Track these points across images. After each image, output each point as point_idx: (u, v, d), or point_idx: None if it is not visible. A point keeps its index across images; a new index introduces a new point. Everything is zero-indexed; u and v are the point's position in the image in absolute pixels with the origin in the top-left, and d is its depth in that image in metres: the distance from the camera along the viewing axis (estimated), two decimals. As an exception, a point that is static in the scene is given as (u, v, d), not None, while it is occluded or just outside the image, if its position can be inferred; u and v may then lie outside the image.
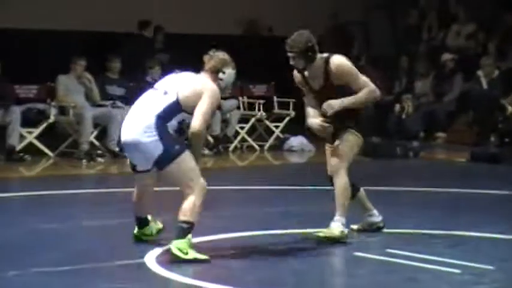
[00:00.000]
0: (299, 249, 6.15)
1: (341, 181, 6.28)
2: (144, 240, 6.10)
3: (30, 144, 11.74)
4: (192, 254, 5.61)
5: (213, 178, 6.27)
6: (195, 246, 5.67)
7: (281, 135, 13.66)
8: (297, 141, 13.30)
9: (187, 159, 5.76)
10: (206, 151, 12.50)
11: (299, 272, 5.50)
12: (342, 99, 6.23)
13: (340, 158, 6.28)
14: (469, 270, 5.48)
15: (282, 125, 13.72)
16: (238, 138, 13.32)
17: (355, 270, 5.57)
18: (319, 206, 8.05)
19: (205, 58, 6.00)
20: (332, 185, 6.40)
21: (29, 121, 11.80)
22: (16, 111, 11.48)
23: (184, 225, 5.66)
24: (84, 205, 8.21)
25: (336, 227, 6.18)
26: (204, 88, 5.82)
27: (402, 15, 16.26)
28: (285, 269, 5.58)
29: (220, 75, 5.92)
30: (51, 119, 11.87)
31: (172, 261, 5.56)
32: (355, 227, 6.61)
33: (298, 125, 13.54)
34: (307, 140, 13.12)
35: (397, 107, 12.68)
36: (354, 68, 6.31)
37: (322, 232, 6.19)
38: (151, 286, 5.25)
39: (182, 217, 5.69)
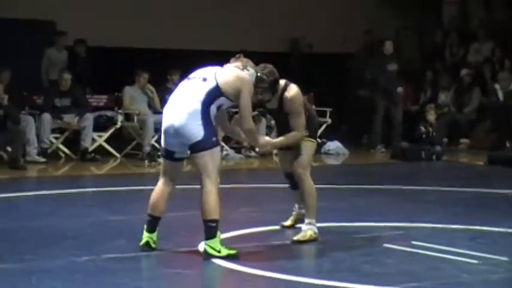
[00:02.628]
0: (334, 240, 6.14)
1: (307, 185, 6.13)
2: (152, 248, 5.59)
3: (100, 146, 11.85)
4: (225, 251, 5.41)
5: (260, 177, 6.30)
6: (232, 240, 5.66)
7: (319, 140, 13.62)
8: (333, 145, 13.25)
9: (218, 153, 5.56)
10: (253, 153, 12.53)
11: (334, 260, 5.49)
12: (279, 139, 6.12)
13: (303, 165, 6.10)
14: (486, 261, 5.43)
15: (320, 131, 13.66)
16: (282, 142, 13.27)
17: (384, 259, 5.54)
18: (352, 202, 8.05)
19: (232, 60, 5.87)
20: (289, 182, 6.34)
21: (99, 126, 11.92)
22: (89, 118, 11.60)
23: (212, 224, 5.40)
24: (145, 200, 8.24)
25: (308, 229, 6.06)
26: (239, 77, 5.61)
27: (428, 35, 16.20)
28: (322, 258, 5.58)
29: (245, 71, 5.76)
30: (118, 124, 11.97)
31: (206, 258, 5.40)
32: (287, 223, 6.50)
33: (334, 131, 13.54)
34: (343, 145, 13.09)
35: (422, 128, 12.61)
36: (301, 106, 6.15)
37: (297, 236, 6.02)
38: (203, 271, 5.27)
39: (208, 216, 5.41)
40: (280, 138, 6.13)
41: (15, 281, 4.81)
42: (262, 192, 8.01)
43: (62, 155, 11.68)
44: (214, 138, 5.48)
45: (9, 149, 10.76)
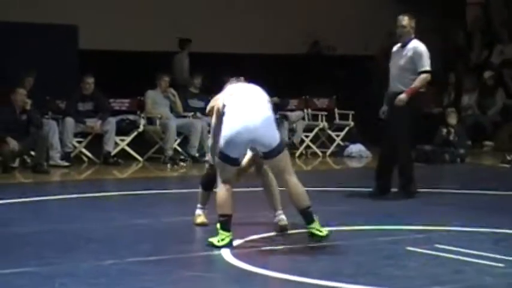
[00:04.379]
0: (357, 243, 6.14)
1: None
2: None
3: (123, 150, 11.92)
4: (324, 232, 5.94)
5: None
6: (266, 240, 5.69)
7: (341, 143, 13.62)
8: (355, 148, 13.24)
9: (287, 152, 5.99)
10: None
11: (356, 263, 5.50)
12: None
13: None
14: (510, 264, 5.41)
15: (342, 134, 13.68)
16: (304, 145, 13.33)
17: (407, 262, 5.54)
18: (374, 205, 8.04)
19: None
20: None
21: (122, 130, 11.99)
22: (112, 122, 11.68)
23: (310, 209, 5.88)
24: (168, 203, 8.29)
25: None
26: None
27: (451, 36, 16.11)
28: (344, 261, 5.58)
29: None
30: (141, 128, 12.04)
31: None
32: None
33: (357, 134, 13.53)
34: (365, 147, 13.08)
35: (444, 131, 12.57)
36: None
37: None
38: (227, 275, 5.30)
39: (307, 202, 5.87)
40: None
41: (39, 284, 4.86)
42: (283, 195, 8.02)
43: (85, 159, 11.77)
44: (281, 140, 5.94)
45: (32, 153, 10.86)
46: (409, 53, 8.42)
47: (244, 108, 5.83)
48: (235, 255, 5.59)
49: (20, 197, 8.26)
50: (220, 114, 5.96)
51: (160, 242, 6.11)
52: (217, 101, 6.15)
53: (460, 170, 11.90)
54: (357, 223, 6.82)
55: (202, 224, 6.59)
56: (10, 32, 12.66)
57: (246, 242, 6.07)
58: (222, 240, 5.79)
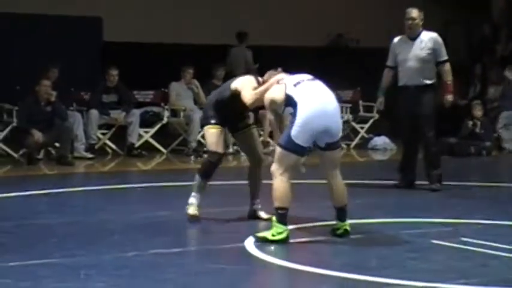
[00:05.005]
0: (381, 236, 6.10)
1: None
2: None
3: (147, 142, 11.95)
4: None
5: (307, 173, 6.25)
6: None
7: (366, 135, 13.55)
8: (380, 140, 13.17)
9: None
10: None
11: (381, 256, 5.45)
12: None
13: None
14: (537, 258, 5.35)
15: (366, 126, 13.61)
16: (328, 137, 13.26)
17: (432, 255, 5.49)
18: (399, 198, 7.98)
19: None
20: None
21: (145, 122, 12.01)
22: (136, 114, 11.70)
23: (347, 208, 5.90)
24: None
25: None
26: None
27: (477, 28, 15.98)
28: (369, 254, 5.54)
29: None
30: (165, 120, 12.06)
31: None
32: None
33: (381, 126, 13.45)
34: (390, 140, 13.00)
35: (469, 123, 12.46)
36: None
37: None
38: (249, 267, 5.28)
39: (346, 201, 5.89)
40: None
41: (63, 275, 4.87)
42: (307, 188, 7.98)
43: (109, 150, 11.81)
44: None
45: (57, 145, 10.90)
46: (429, 44, 8.35)
47: (319, 95, 5.76)
48: (258, 248, 5.56)
49: (45, 189, 8.29)
50: (288, 105, 5.78)
51: (183, 234, 6.10)
52: (273, 93, 5.94)
53: (486, 162, 11.79)
54: (381, 216, 6.77)
55: (194, 217, 6.43)
56: (35, 24, 12.71)
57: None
58: (279, 233, 5.63)
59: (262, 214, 6.53)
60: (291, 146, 5.69)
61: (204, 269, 5.09)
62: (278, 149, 5.76)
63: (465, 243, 5.77)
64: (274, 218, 5.71)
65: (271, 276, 5.04)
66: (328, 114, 5.71)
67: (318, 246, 5.76)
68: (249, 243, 5.67)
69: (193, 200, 6.47)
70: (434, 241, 5.84)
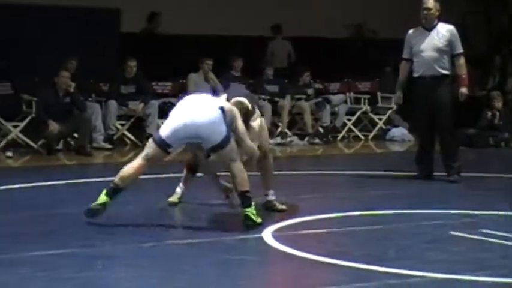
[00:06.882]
0: (400, 227, 6.05)
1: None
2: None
3: (165, 133, 11.91)
4: (259, 219, 5.86)
5: (323, 164, 6.25)
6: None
7: (383, 127, 13.49)
8: (398, 131, 13.11)
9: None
10: (317, 140, 12.47)
11: (399, 247, 5.41)
12: None
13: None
14: (558, 250, 5.29)
15: (384, 117, 13.54)
16: (346, 128, 13.23)
17: (452, 247, 5.43)
18: (418, 189, 7.93)
19: None
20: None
21: (164, 113, 11.97)
22: (154, 105, 11.69)
23: (249, 194, 5.88)
24: (210, 187, 8.27)
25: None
26: None
27: (495, 19, 15.86)
28: (388, 245, 5.49)
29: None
30: (183, 111, 12.02)
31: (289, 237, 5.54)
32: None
33: (399, 117, 13.37)
34: (408, 131, 12.93)
35: (488, 114, 12.35)
36: None
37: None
38: (267, 258, 5.26)
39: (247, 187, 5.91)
40: None
41: (81, 265, 4.86)
42: (325, 179, 7.94)
43: (128, 141, 11.81)
44: None
45: (76, 135, 10.92)
46: (447, 35, 8.29)
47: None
48: (276, 238, 5.53)
49: (64, 179, 8.30)
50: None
51: (199, 225, 6.08)
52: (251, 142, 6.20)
53: (505, 154, 11.69)
54: (400, 207, 6.72)
55: (173, 203, 6.74)
56: (53, 15, 12.71)
57: (287, 225, 6.01)
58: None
59: (277, 204, 6.50)
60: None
61: (223, 260, 5.07)
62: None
63: (484, 234, 5.71)
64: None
65: (291, 267, 5.01)
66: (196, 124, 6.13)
67: (336, 237, 5.73)
68: (267, 234, 5.65)
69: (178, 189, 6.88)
70: (453, 232, 5.79)
